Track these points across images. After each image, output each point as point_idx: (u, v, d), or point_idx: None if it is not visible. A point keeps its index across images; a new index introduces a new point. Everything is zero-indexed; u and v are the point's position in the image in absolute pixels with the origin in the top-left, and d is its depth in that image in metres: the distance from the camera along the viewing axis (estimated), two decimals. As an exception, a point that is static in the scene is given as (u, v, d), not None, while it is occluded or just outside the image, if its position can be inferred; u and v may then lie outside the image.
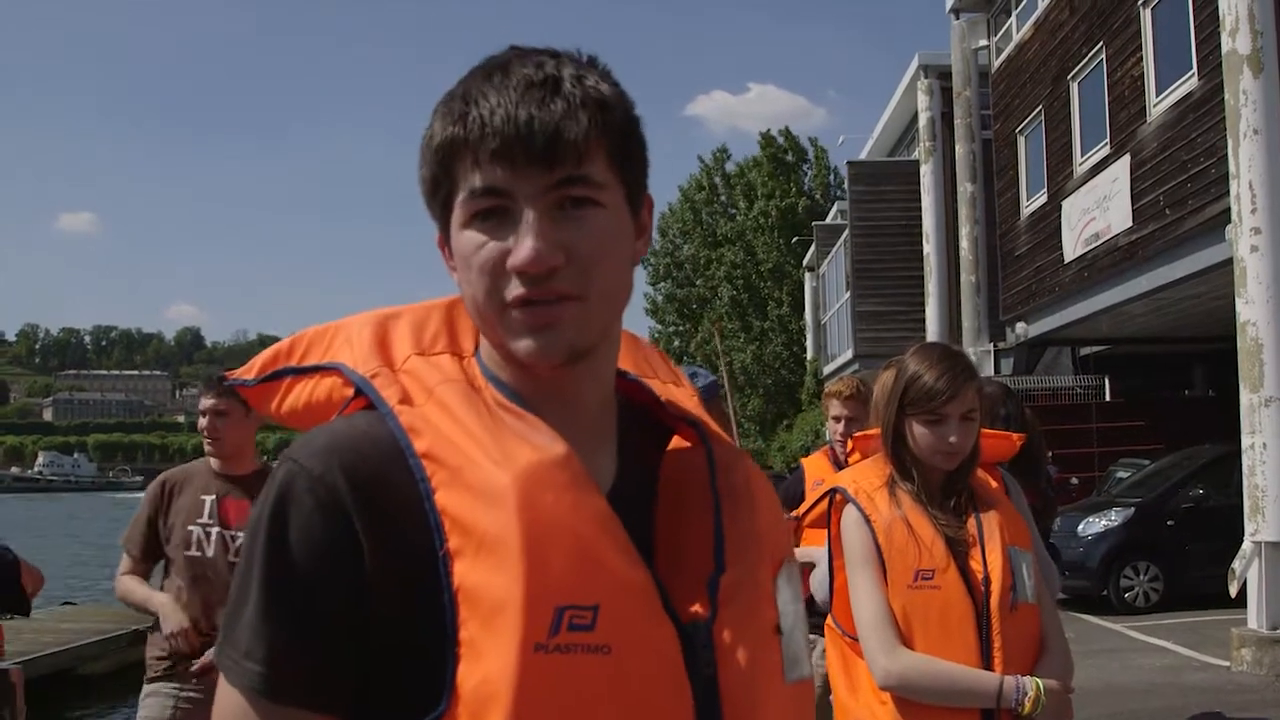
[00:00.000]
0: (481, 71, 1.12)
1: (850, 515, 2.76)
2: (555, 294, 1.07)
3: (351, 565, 1.04)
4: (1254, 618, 9.53)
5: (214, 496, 4.16)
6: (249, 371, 1.29)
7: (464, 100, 1.10)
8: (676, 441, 1.26)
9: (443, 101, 1.13)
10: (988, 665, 2.60)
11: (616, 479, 1.17)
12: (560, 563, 1.02)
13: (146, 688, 4.12)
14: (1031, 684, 2.58)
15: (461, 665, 1.00)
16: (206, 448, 4.24)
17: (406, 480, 1.06)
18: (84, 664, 11.43)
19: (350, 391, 1.19)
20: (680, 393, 1.30)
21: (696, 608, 1.10)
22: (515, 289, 1.07)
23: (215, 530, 4.10)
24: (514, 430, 1.09)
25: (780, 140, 42.83)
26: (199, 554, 4.09)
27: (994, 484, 2.87)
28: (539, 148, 1.06)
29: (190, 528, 4.11)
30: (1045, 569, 3.23)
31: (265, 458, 4.40)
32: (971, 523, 2.70)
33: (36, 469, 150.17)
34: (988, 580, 2.63)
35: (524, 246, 1.06)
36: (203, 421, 4.22)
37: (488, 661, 0.99)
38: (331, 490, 1.05)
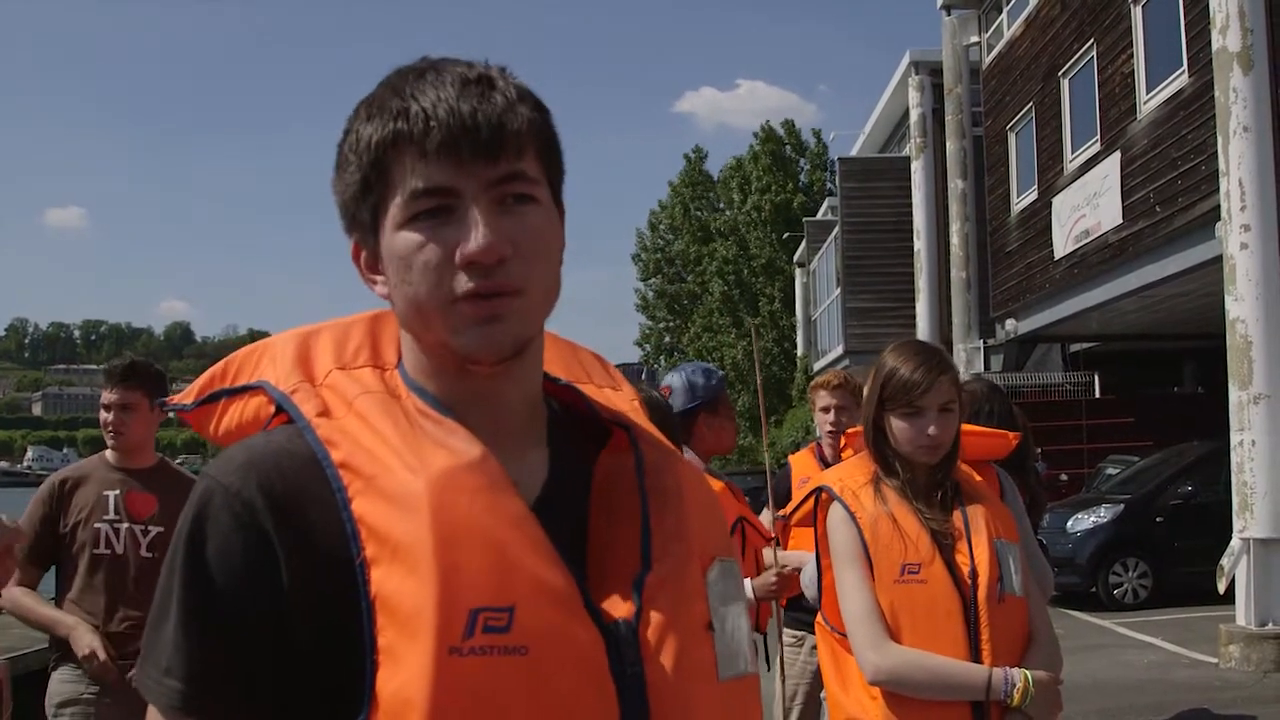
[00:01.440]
0: (409, 73, 1.12)
1: (836, 513, 2.77)
2: (502, 288, 1.08)
3: (269, 580, 1.05)
4: (1242, 614, 9.55)
5: (118, 492, 4.03)
6: (187, 396, 1.31)
7: (399, 97, 1.10)
8: (613, 445, 1.25)
9: (368, 102, 1.13)
10: (976, 658, 2.61)
11: (547, 482, 1.17)
12: (474, 565, 1.02)
13: None
14: (1020, 675, 2.58)
15: (380, 672, 1.00)
16: (109, 441, 4.10)
17: (324, 492, 1.07)
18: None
19: (273, 408, 1.20)
20: (617, 396, 1.30)
21: (622, 607, 1.10)
22: (464, 283, 1.07)
23: (124, 525, 3.98)
24: (431, 436, 1.10)
25: (781, 132, 42.58)
26: (108, 551, 3.95)
27: (979, 478, 2.87)
28: (484, 141, 1.07)
29: (97, 525, 3.97)
30: (1037, 565, 3.23)
31: (180, 457, 4.26)
32: (958, 516, 2.70)
33: (26, 463, 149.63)
34: (975, 573, 2.63)
35: (476, 237, 1.06)
36: (106, 415, 4.09)
37: (405, 667, 0.99)
38: (248, 506, 1.07)
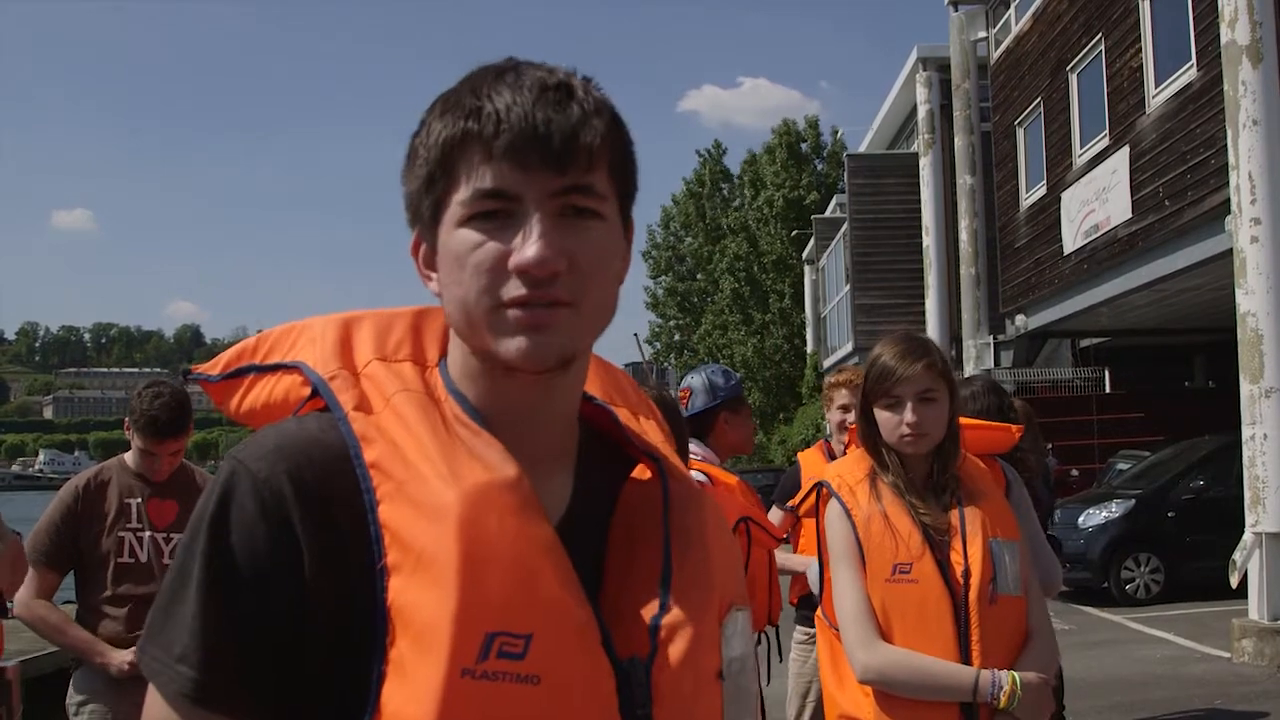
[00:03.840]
0: (490, 72, 1.10)
1: (833, 509, 2.78)
2: (553, 299, 1.05)
3: (291, 572, 1.03)
4: (1255, 609, 9.53)
5: (139, 500, 4.00)
6: (214, 367, 1.28)
7: (474, 95, 1.08)
8: (640, 470, 1.23)
9: (444, 98, 1.11)
10: (966, 658, 2.60)
11: (571, 502, 1.15)
12: (496, 587, 1.00)
13: None
14: (1008, 678, 2.57)
15: (387, 683, 0.99)
16: (143, 471, 4.06)
17: (352, 489, 1.05)
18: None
19: (307, 391, 1.18)
20: (649, 424, 1.28)
21: (636, 645, 1.08)
22: (514, 289, 1.05)
23: (147, 534, 3.96)
24: (467, 447, 1.08)
25: (802, 126, 42.19)
26: (132, 560, 3.93)
27: (987, 474, 2.85)
28: (554, 150, 1.05)
29: (121, 534, 3.95)
30: (1042, 560, 3.23)
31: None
32: (955, 514, 2.68)
33: (38, 467, 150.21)
34: (967, 573, 2.62)
35: (531, 248, 1.04)
36: (155, 463, 4.03)
37: (413, 682, 0.98)
38: (276, 495, 1.04)
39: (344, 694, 1.01)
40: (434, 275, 1.13)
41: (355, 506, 1.04)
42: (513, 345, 1.06)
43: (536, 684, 0.99)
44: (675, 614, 1.10)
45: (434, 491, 1.03)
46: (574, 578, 1.05)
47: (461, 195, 1.07)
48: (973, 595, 2.60)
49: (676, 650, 1.09)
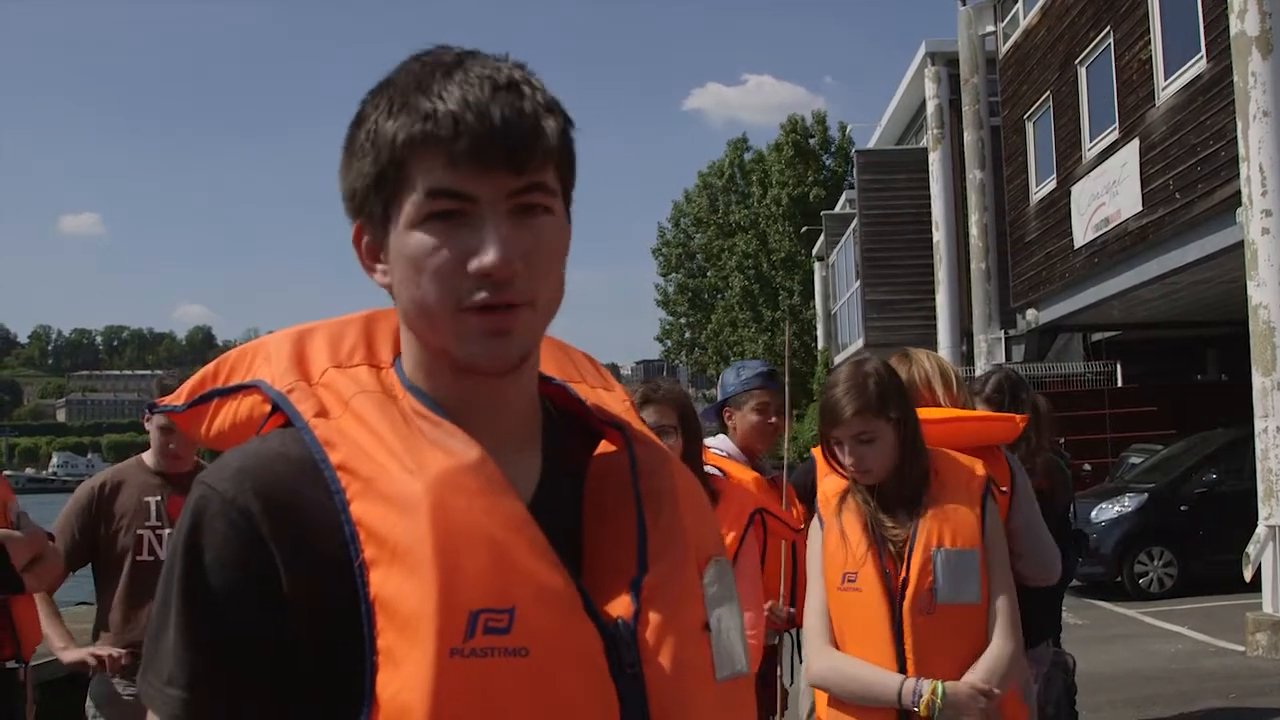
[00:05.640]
0: (434, 67, 1.10)
1: (814, 522, 2.91)
2: (512, 300, 1.07)
3: (268, 587, 1.04)
4: (1269, 602, 9.51)
5: (159, 498, 4.05)
6: (178, 398, 1.30)
7: (424, 94, 1.07)
8: (604, 445, 1.25)
9: (388, 94, 1.10)
10: (901, 666, 2.66)
11: (540, 482, 1.17)
12: (474, 567, 1.02)
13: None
14: (928, 687, 2.61)
15: (380, 674, 1.00)
16: (163, 462, 4.12)
17: (322, 495, 1.06)
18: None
19: (268, 408, 1.19)
20: (610, 397, 1.30)
21: (620, 608, 1.10)
22: (476, 294, 1.06)
23: (166, 532, 3.98)
24: (429, 437, 1.10)
25: (810, 122, 42.12)
26: (150, 557, 3.97)
27: (969, 477, 2.81)
28: (512, 151, 1.06)
29: (139, 531, 3.99)
30: (1039, 553, 3.24)
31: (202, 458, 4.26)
32: (914, 525, 2.73)
33: (51, 470, 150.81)
34: (905, 583, 2.68)
35: (490, 252, 1.05)
36: (166, 439, 4.08)
37: (405, 669, 0.99)
38: (244, 513, 1.06)
39: (340, 692, 1.03)
40: (380, 267, 1.14)
41: (327, 510, 1.06)
42: (475, 349, 1.09)
43: (525, 655, 1.02)
44: (654, 574, 1.12)
45: (401, 484, 1.05)
46: (549, 549, 1.07)
47: (416, 196, 1.07)
48: (906, 604, 2.67)
49: (660, 608, 1.11)
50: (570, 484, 1.20)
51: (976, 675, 2.64)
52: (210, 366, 1.29)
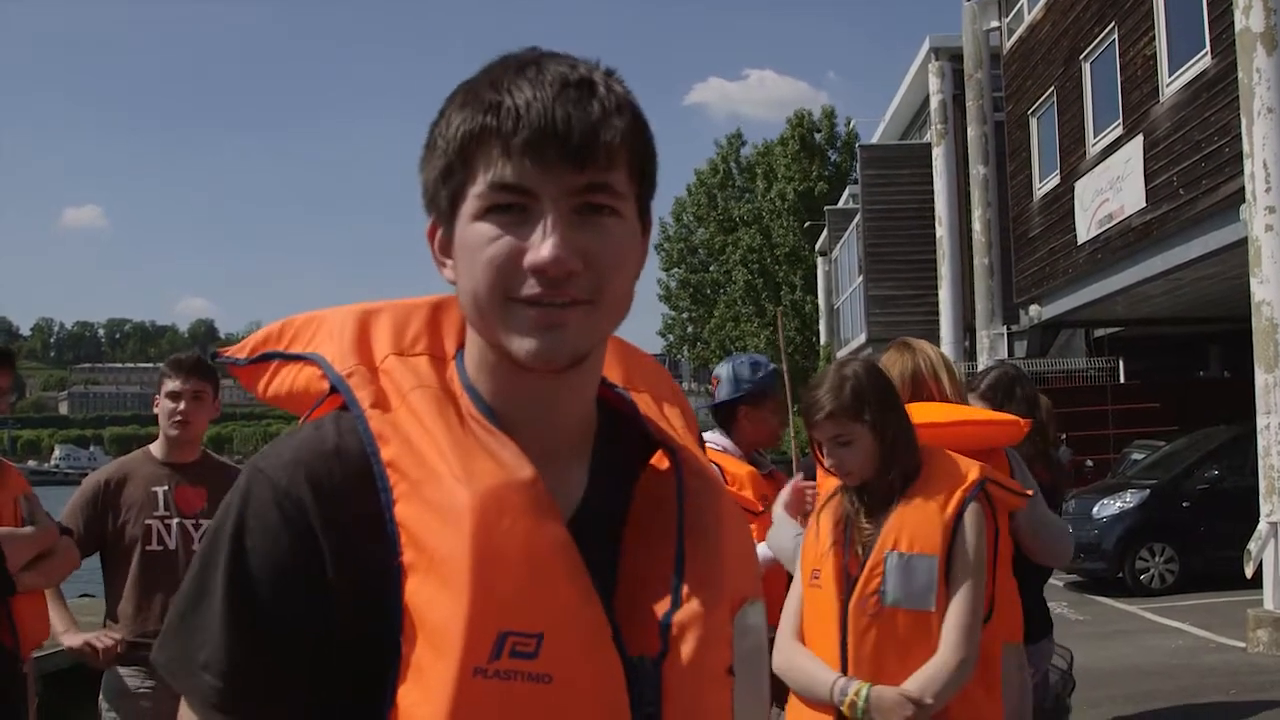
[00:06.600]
0: (511, 65, 1.09)
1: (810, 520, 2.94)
2: (568, 298, 1.06)
3: (315, 580, 1.04)
4: (1270, 599, 9.50)
5: (166, 487, 4.03)
6: (241, 351, 1.30)
7: (494, 89, 1.07)
8: (659, 458, 1.23)
9: (464, 89, 1.10)
10: (844, 664, 2.68)
11: (586, 495, 1.15)
12: (508, 587, 1.01)
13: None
14: (854, 688, 2.62)
15: (403, 684, 1.00)
16: (173, 431, 4.08)
17: (370, 492, 1.06)
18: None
19: (326, 386, 1.19)
20: (672, 411, 1.28)
21: (647, 644, 1.09)
22: (528, 287, 1.05)
23: (175, 521, 3.98)
24: (482, 445, 1.08)
25: (818, 116, 41.86)
26: (160, 547, 3.96)
27: (956, 478, 2.76)
28: (573, 147, 1.05)
29: (148, 521, 3.98)
30: (1048, 534, 3.30)
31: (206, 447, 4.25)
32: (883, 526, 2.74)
33: (53, 462, 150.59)
34: (855, 582, 2.69)
35: (545, 247, 1.04)
36: (174, 405, 4.05)
37: (427, 682, 0.99)
38: (297, 504, 1.06)
39: (367, 694, 1.03)
40: (449, 262, 1.13)
41: (374, 509, 1.05)
42: (525, 344, 1.07)
43: (549, 683, 1.00)
44: (686, 611, 1.11)
45: (448, 491, 1.04)
46: (586, 577, 1.05)
47: (478, 188, 1.07)
48: (852, 603, 2.68)
49: (687, 648, 1.09)
50: (616, 499, 1.18)
51: (912, 684, 2.60)
52: (275, 326, 1.28)
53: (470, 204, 1.08)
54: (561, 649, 1.01)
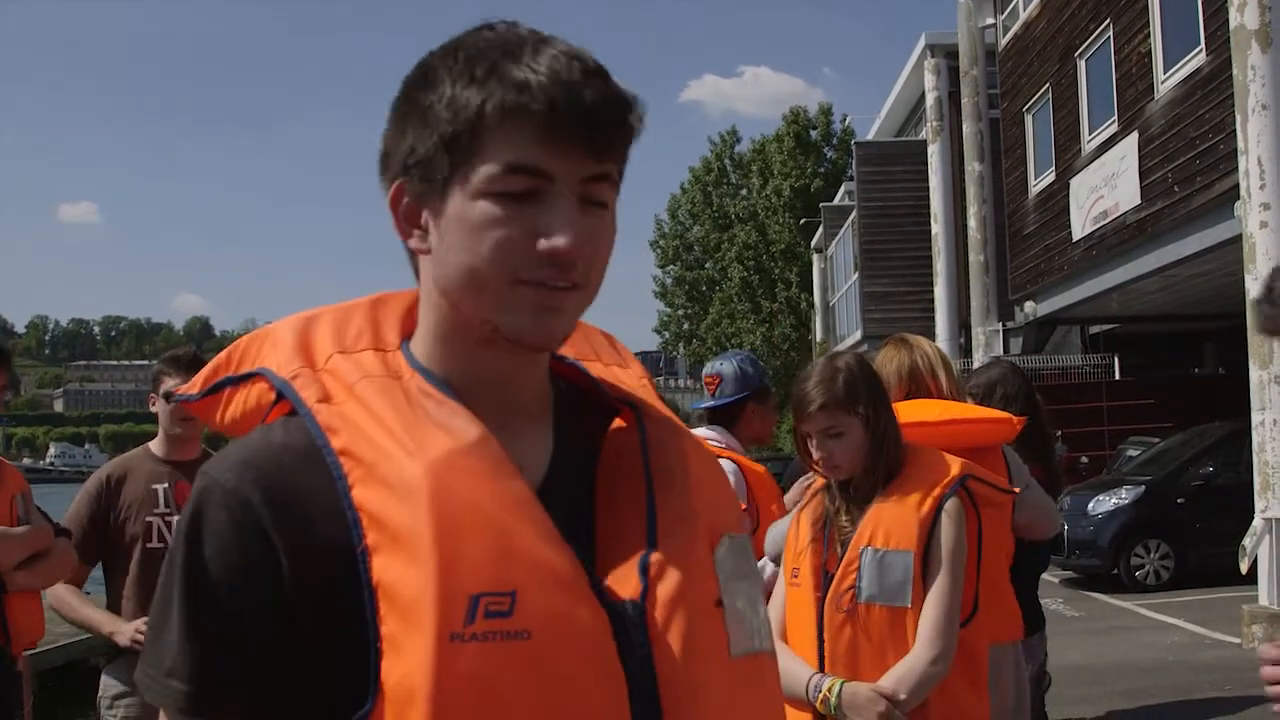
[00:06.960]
0: (517, 38, 1.08)
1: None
2: (569, 282, 1.07)
3: (270, 578, 1.05)
4: (1265, 595, 9.52)
5: (166, 484, 4.03)
6: (193, 387, 1.29)
7: (513, 63, 1.05)
8: (618, 423, 1.24)
9: (463, 56, 1.07)
10: (821, 662, 2.66)
11: (552, 462, 1.16)
12: (474, 550, 1.01)
13: None
14: (826, 684, 2.60)
15: (384, 661, 1.00)
16: (174, 430, 4.07)
17: (325, 482, 1.06)
18: (95, 655, 11.52)
19: (274, 395, 1.19)
20: (625, 374, 1.29)
21: (629, 588, 1.09)
22: (537, 270, 1.06)
23: (174, 519, 3.93)
24: (432, 418, 1.09)
25: (814, 113, 41.82)
26: (160, 544, 3.94)
27: (939, 472, 2.73)
28: (600, 135, 1.05)
29: (148, 518, 3.98)
30: (1033, 507, 3.29)
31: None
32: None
33: (49, 460, 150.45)
34: (831, 579, 2.68)
35: (565, 233, 1.05)
36: (170, 406, 4.03)
37: (407, 656, 0.99)
38: (245, 504, 1.06)
39: (343, 683, 1.03)
40: (417, 232, 1.12)
41: (329, 497, 1.05)
42: (523, 322, 1.08)
43: (528, 639, 1.00)
44: (663, 549, 1.11)
45: (401, 467, 1.04)
46: (552, 530, 1.06)
47: (491, 168, 1.05)
48: (827, 600, 2.66)
49: (667, 585, 1.09)
50: (583, 462, 1.19)
51: (886, 680, 2.58)
52: (223, 354, 1.27)
53: (477, 180, 1.06)
54: (536, 603, 1.01)
